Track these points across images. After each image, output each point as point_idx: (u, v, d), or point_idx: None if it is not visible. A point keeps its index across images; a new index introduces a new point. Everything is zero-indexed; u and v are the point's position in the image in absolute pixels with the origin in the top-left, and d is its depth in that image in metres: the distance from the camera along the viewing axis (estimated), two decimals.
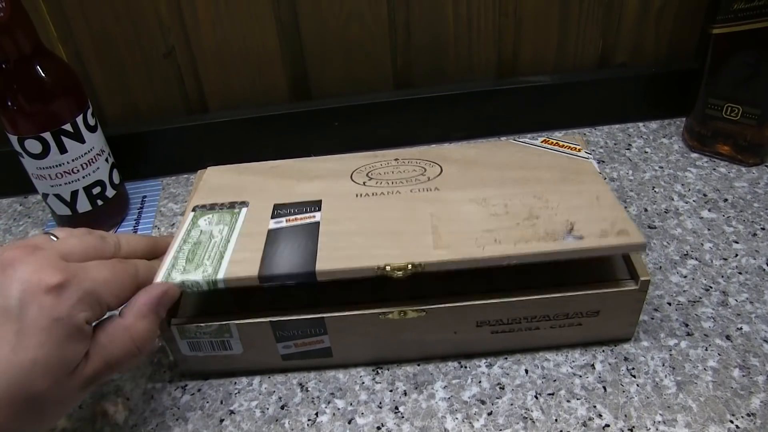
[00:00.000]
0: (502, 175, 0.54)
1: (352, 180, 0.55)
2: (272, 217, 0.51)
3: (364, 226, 0.49)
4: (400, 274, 0.44)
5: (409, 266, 0.44)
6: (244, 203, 0.53)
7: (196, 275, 0.45)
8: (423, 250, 0.45)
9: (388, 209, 0.50)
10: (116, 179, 0.67)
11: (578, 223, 0.47)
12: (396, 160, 0.57)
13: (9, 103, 0.57)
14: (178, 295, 0.45)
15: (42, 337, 0.36)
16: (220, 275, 0.45)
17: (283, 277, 0.45)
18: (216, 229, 0.50)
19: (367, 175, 0.55)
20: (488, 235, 0.46)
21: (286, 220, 0.50)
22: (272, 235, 0.49)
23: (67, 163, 0.61)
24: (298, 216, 0.51)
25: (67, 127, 0.60)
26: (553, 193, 0.51)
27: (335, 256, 0.46)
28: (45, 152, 0.60)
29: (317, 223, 0.49)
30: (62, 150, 0.60)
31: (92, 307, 0.39)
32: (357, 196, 0.53)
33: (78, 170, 0.62)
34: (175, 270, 0.46)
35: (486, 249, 0.45)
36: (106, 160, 0.65)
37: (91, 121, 0.62)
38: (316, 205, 0.52)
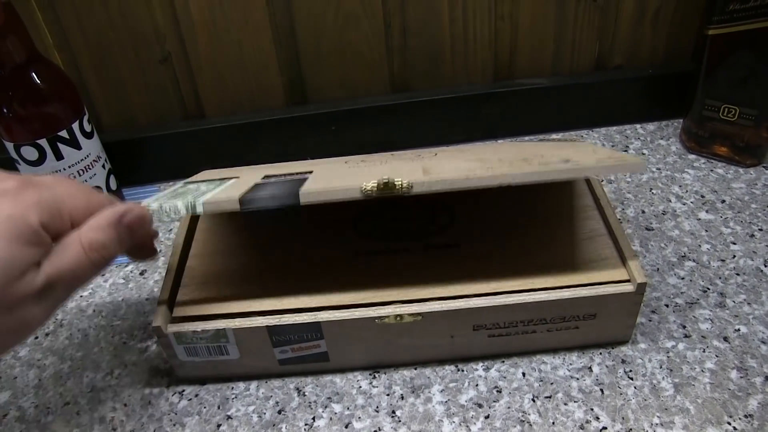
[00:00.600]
0: (497, 153, 0.53)
1: (345, 163, 0.55)
2: (261, 179, 0.50)
3: (354, 176, 0.48)
4: (383, 188, 0.42)
5: (397, 183, 0.42)
6: (234, 177, 0.52)
7: (176, 202, 0.44)
8: (412, 176, 0.44)
9: (379, 168, 0.50)
10: (113, 185, 0.67)
11: (574, 158, 0.45)
12: (392, 154, 0.58)
13: (4, 110, 0.57)
14: (149, 221, 0.42)
15: None
16: (200, 200, 0.44)
17: (265, 199, 0.43)
18: (203, 185, 0.50)
19: (361, 160, 0.56)
20: (479, 165, 0.45)
21: (275, 179, 0.50)
22: (259, 184, 0.48)
23: (64, 169, 0.61)
24: (288, 177, 0.50)
25: (63, 133, 0.60)
26: (548, 149, 0.50)
27: (320, 183, 0.45)
28: (41, 159, 0.60)
29: (305, 178, 0.48)
30: (58, 157, 0.60)
31: (51, 212, 0.36)
32: (349, 166, 0.53)
33: (74, 177, 0.62)
34: (156, 202, 0.44)
35: (477, 172, 0.43)
36: (103, 166, 0.65)
37: (87, 128, 0.62)
38: (307, 173, 0.51)
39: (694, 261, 0.57)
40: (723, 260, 0.57)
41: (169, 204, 0.43)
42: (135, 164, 0.75)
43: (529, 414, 0.46)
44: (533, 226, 0.53)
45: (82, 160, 0.62)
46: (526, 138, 0.75)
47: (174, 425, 0.48)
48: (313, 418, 0.47)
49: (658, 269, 0.57)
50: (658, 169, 0.69)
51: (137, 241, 0.42)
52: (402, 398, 0.48)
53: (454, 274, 0.49)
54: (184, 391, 0.50)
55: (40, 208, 0.35)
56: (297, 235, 0.54)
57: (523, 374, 0.49)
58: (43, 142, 0.59)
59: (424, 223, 0.54)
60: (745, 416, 0.44)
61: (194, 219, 0.57)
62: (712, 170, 0.68)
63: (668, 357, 0.49)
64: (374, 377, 0.50)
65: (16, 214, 0.34)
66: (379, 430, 0.46)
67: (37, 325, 0.38)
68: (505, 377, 0.49)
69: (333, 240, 0.54)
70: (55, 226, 0.37)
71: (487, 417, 0.46)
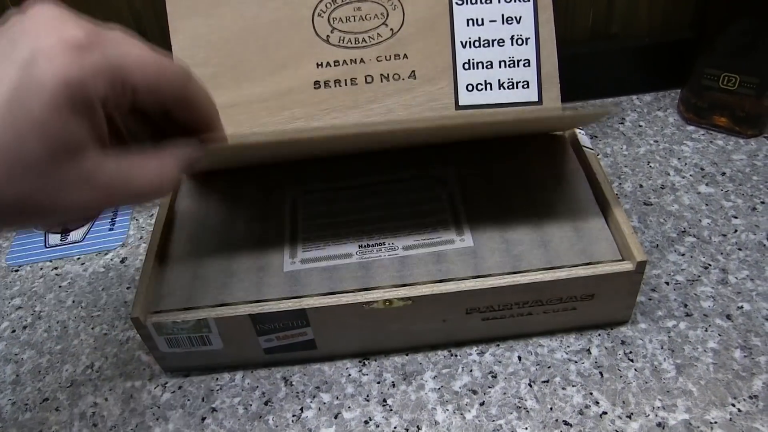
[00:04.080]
0: None
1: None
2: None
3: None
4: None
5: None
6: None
7: None
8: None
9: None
10: None
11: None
12: None
13: None
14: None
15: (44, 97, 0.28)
16: None
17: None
18: None
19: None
20: None
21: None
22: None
23: None
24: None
25: None
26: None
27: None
28: None
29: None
30: None
31: (114, 84, 0.31)
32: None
33: None
34: None
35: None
36: None
37: None
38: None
39: (694, 236, 0.55)
40: (724, 235, 0.55)
41: None
42: None
43: (525, 400, 0.44)
44: (529, 204, 0.50)
45: None
46: None
47: (157, 419, 0.46)
48: (301, 409, 0.45)
49: (657, 245, 0.55)
50: (656, 141, 0.67)
51: None
52: (393, 386, 0.46)
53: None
54: (167, 383, 0.49)
55: (103, 77, 0.30)
56: (282, 216, 0.52)
57: (519, 358, 0.47)
58: None
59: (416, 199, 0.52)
60: (750, 397, 0.43)
61: (173, 206, 0.55)
62: (711, 142, 0.66)
63: (669, 337, 0.47)
64: (364, 365, 0.48)
65: (74, 80, 0.29)
66: (370, 419, 0.44)
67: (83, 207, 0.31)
68: (500, 362, 0.47)
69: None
70: (115, 99, 0.31)
71: (482, 404, 0.44)
